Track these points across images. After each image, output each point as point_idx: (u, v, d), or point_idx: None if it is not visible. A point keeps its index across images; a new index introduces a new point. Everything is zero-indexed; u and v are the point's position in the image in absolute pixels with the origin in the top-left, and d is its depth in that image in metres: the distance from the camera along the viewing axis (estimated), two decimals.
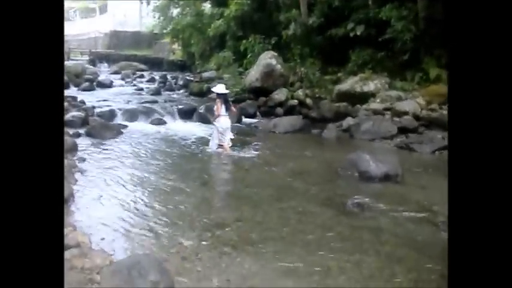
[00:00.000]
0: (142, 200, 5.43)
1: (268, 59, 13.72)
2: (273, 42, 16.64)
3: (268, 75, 13.50)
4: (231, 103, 8.78)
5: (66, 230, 3.90)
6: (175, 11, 26.95)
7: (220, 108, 8.33)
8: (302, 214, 5.03)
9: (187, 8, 25.25)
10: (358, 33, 13.07)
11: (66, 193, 4.95)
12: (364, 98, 11.87)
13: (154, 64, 27.51)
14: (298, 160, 7.95)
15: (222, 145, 8.37)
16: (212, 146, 8.52)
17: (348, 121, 11.14)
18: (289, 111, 12.71)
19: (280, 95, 13.21)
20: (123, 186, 5.97)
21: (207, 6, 24.72)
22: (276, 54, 14.19)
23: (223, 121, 8.36)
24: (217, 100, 8.56)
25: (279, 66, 13.72)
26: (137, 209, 5.04)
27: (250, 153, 8.49)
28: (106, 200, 5.35)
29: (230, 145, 8.42)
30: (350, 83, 12.54)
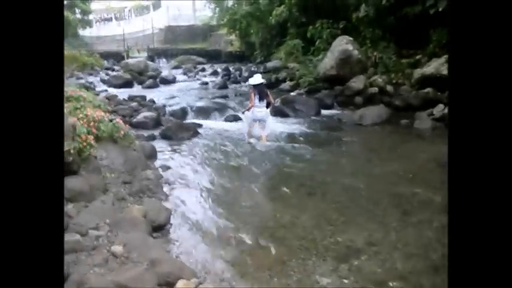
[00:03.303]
0: (247, 220, 4.63)
1: (344, 44, 12.66)
2: (341, 26, 15.65)
3: (344, 62, 12.47)
4: (268, 93, 8.46)
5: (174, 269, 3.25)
6: (230, 1, 26.31)
7: (254, 100, 8.25)
8: (442, 232, 4.16)
9: None
10: (440, 9, 11.78)
11: (162, 217, 4.33)
12: None
13: (212, 56, 27.06)
14: (401, 158, 6.99)
15: (261, 136, 8.34)
16: (245, 138, 8.57)
17: (440, 109, 10.00)
18: (369, 100, 11.67)
19: (358, 82, 12.16)
20: (217, 202, 5.20)
21: None
22: (351, 39, 13.13)
23: (257, 112, 8.28)
24: (251, 91, 8.54)
25: (356, 51, 12.65)
26: (246, 231, 4.38)
27: (344, 151, 7.70)
28: (206, 225, 4.50)
29: (267, 135, 8.37)
30: (434, 66, 11.27)
